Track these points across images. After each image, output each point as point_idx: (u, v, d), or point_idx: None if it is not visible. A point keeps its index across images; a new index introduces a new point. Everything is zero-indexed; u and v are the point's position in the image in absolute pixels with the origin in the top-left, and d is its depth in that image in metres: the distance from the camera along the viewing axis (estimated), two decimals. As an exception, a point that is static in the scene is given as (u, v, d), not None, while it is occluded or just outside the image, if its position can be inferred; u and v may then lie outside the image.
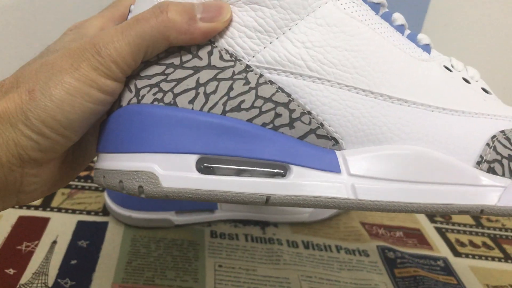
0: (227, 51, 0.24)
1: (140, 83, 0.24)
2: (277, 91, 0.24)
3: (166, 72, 0.24)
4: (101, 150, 0.25)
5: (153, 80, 0.24)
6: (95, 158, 0.27)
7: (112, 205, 0.46)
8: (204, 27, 0.23)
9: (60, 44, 0.27)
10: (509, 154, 0.24)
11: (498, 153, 0.24)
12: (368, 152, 0.24)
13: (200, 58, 0.24)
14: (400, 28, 0.26)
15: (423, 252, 0.51)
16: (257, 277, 0.41)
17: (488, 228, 0.59)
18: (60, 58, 0.24)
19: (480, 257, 0.53)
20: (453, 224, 0.59)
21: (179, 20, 0.23)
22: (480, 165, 0.24)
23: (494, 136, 0.24)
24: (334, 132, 0.24)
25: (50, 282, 0.38)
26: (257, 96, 0.23)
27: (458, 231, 0.57)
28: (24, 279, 0.38)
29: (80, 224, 0.45)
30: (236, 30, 0.24)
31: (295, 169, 0.23)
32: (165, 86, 0.24)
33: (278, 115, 0.24)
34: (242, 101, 0.23)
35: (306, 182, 0.23)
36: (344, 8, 0.24)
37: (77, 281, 0.39)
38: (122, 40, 0.23)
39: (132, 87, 0.24)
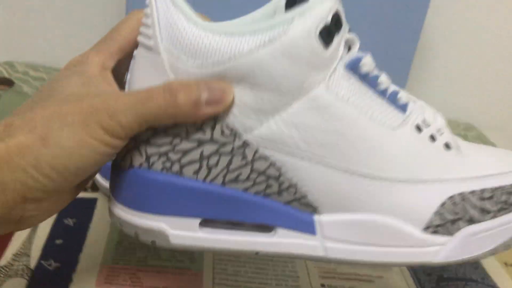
0: (227, 127, 0.28)
1: (150, 149, 0.28)
2: (269, 166, 0.28)
3: (173, 142, 0.28)
4: (117, 200, 0.30)
5: (162, 149, 0.28)
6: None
7: (102, 180, 0.46)
8: (208, 111, 0.27)
9: (67, 87, 0.29)
10: (452, 219, 0.30)
11: (444, 218, 0.30)
12: (340, 217, 0.29)
13: (204, 132, 0.28)
14: (383, 92, 0.30)
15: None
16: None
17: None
18: (73, 111, 0.27)
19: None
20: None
21: (186, 106, 0.27)
22: (427, 230, 0.30)
23: (443, 204, 0.30)
24: (315, 201, 0.29)
25: (33, 264, 0.37)
26: (252, 170, 0.28)
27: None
28: (3, 261, 0.37)
29: (66, 200, 0.45)
30: (237, 109, 0.28)
31: (280, 230, 0.29)
32: (173, 156, 0.28)
33: (269, 186, 0.29)
34: (240, 174, 0.28)
35: (288, 241, 0.29)
36: (334, 89, 0.28)
37: (62, 263, 0.38)
38: (131, 115, 0.26)
39: (143, 151, 0.28)
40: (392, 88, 0.31)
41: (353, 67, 0.29)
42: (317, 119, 0.28)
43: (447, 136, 0.32)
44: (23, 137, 0.26)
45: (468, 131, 0.77)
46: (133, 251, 0.41)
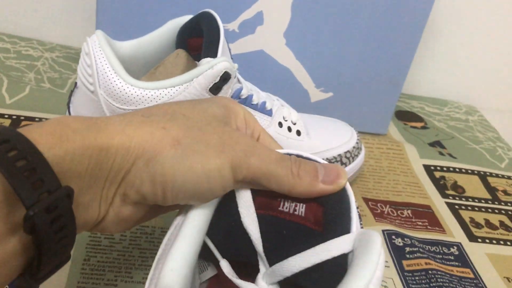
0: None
1: None
2: None
3: None
4: None
5: None
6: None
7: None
8: (322, 188, 0.28)
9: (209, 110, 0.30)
10: None
11: None
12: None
13: None
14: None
15: (435, 236, 0.50)
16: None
17: (506, 203, 0.57)
18: (213, 132, 0.28)
19: (498, 241, 0.51)
20: (467, 199, 0.57)
21: (305, 182, 0.28)
22: None
23: None
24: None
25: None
26: None
27: (473, 208, 0.56)
28: None
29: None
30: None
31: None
32: None
33: None
34: None
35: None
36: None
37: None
38: (259, 165, 0.27)
39: None
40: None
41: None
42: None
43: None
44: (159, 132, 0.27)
45: (469, 115, 0.79)
46: (102, 272, 0.37)
